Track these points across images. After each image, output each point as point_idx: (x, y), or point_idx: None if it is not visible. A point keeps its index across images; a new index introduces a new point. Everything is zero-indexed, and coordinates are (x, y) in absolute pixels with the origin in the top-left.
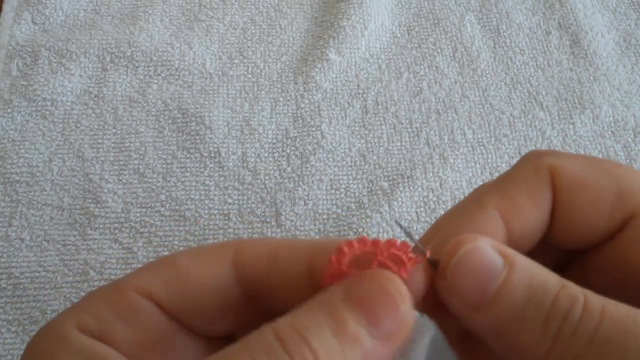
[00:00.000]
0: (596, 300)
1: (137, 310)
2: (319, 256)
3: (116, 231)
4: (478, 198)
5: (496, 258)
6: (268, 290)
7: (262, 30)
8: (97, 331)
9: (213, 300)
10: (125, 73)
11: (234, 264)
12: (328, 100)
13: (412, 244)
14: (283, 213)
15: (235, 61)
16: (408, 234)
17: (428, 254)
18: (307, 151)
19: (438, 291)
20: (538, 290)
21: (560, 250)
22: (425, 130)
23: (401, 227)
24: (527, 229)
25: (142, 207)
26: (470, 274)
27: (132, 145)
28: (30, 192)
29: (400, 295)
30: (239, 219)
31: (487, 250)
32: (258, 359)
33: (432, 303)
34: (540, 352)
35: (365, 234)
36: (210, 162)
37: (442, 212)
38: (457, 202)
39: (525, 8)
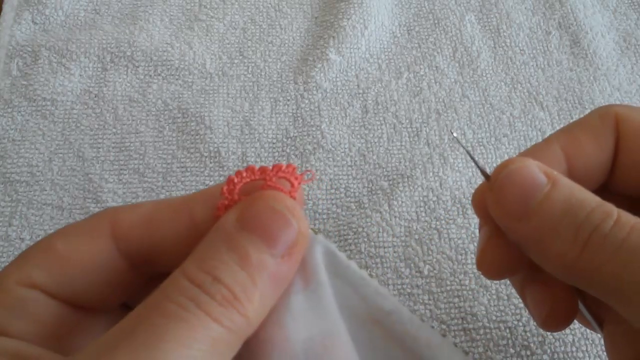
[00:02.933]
0: (629, 218)
1: (24, 303)
2: (200, 206)
3: None
4: (547, 138)
5: (541, 177)
6: (154, 254)
7: (262, 30)
8: None
9: (99, 278)
10: (125, 73)
11: (112, 237)
12: (328, 100)
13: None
14: None
15: (235, 61)
16: (468, 153)
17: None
18: (307, 151)
19: (487, 203)
20: (575, 205)
21: (623, 197)
22: (425, 130)
23: (461, 145)
24: (589, 167)
25: None
26: (515, 187)
27: (132, 145)
28: (30, 191)
29: (290, 211)
30: None
31: (533, 169)
32: (183, 304)
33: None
34: (570, 259)
35: (365, 234)
36: (210, 162)
37: (442, 212)
38: (457, 202)
39: (525, 8)
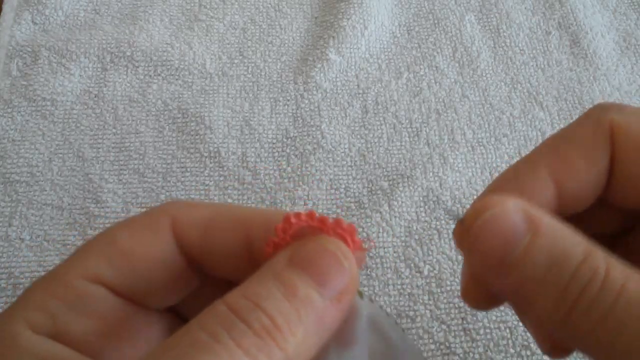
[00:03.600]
0: (618, 275)
1: (87, 298)
2: (257, 227)
3: None
4: (531, 157)
5: (521, 223)
6: (208, 258)
7: (262, 30)
8: (50, 328)
9: (160, 273)
10: (125, 73)
11: (173, 233)
12: (328, 100)
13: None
14: None
15: (235, 61)
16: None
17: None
18: (307, 151)
19: (462, 250)
20: (560, 259)
21: (619, 209)
22: (425, 130)
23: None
24: (581, 189)
25: (142, 207)
26: (493, 237)
27: (132, 145)
28: (30, 192)
29: (344, 254)
30: None
31: (512, 214)
32: (215, 332)
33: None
34: (555, 321)
35: (365, 234)
36: (210, 162)
37: (442, 212)
38: (457, 202)
39: (525, 8)
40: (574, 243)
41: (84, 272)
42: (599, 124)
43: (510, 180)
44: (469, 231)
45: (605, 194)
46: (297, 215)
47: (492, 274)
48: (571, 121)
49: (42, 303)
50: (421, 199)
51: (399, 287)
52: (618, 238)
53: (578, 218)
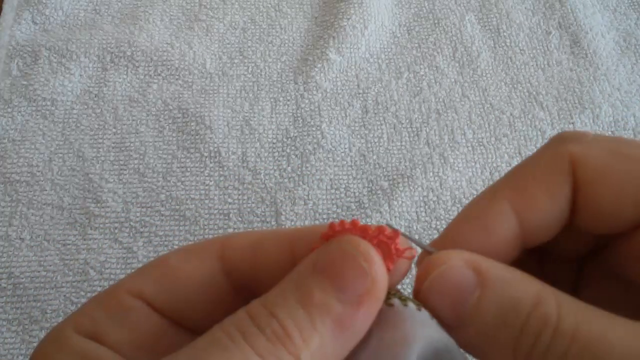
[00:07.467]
0: (571, 320)
1: (127, 310)
2: (301, 242)
3: (116, 231)
4: (492, 191)
5: (469, 277)
6: (254, 281)
7: (262, 30)
8: (91, 332)
9: (202, 294)
10: (125, 73)
11: (220, 257)
12: (328, 100)
13: (412, 245)
14: (283, 213)
15: (235, 61)
16: (407, 237)
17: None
18: (307, 151)
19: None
20: (510, 311)
21: (587, 233)
22: (425, 130)
23: (404, 235)
24: (543, 221)
25: (142, 207)
26: (443, 296)
27: (132, 145)
28: (30, 191)
29: (364, 256)
30: (239, 219)
31: (460, 269)
32: (232, 334)
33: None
34: None
35: None
36: (210, 162)
37: (442, 212)
38: (457, 202)
39: (525, 8)
40: (524, 291)
41: (129, 287)
42: (557, 156)
43: (472, 216)
44: (420, 292)
45: (572, 222)
46: (341, 223)
47: (450, 330)
48: (571, 121)
49: (88, 310)
50: (421, 198)
51: (400, 287)
52: (589, 260)
53: (549, 243)
